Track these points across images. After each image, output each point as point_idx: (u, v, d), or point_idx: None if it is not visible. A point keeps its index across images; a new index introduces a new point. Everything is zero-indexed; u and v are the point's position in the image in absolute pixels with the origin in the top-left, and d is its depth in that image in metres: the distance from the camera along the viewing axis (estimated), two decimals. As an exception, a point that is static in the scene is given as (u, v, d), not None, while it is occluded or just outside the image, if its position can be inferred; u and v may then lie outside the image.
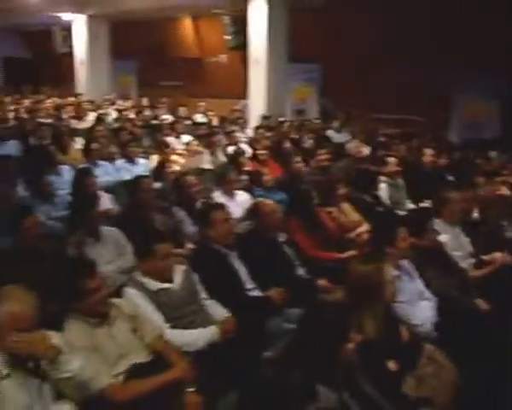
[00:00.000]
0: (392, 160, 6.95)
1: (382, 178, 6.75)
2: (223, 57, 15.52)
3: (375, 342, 3.06)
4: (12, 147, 8.16)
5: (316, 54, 12.50)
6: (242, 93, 12.40)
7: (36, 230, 4.09)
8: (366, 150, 8.87)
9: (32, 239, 4.06)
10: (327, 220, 5.46)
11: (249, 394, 3.18)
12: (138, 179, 5.48)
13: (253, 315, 3.78)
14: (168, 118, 11.47)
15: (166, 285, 3.63)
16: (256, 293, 4.13)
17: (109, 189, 6.26)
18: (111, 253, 4.43)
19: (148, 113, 12.20)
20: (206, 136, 8.89)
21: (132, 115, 11.80)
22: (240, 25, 13.11)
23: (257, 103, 11.81)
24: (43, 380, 2.69)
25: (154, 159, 7.67)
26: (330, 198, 5.69)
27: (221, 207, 4.46)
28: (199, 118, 12.26)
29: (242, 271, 4.21)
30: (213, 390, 3.12)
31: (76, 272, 3.11)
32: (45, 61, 20.75)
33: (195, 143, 8.53)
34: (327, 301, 4.03)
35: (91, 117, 11.31)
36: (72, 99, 13.59)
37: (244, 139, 9.57)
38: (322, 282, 4.39)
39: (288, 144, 8.51)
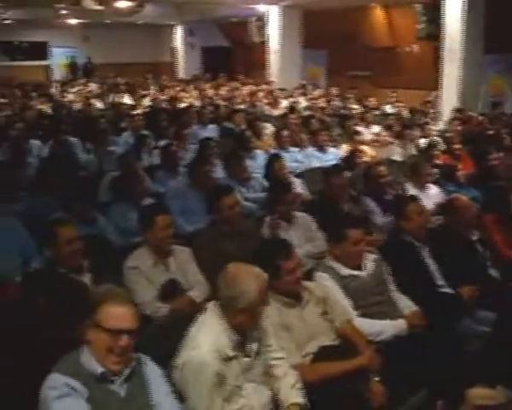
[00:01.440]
0: None
1: None
2: (415, 47, 15.07)
3: None
4: (211, 130, 8.70)
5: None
6: (433, 84, 11.96)
7: (236, 208, 4.31)
8: None
9: (231, 218, 4.28)
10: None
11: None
12: (335, 167, 5.54)
13: (443, 312, 3.68)
14: (357, 108, 11.44)
15: (356, 272, 3.66)
16: (446, 290, 4.01)
17: (300, 175, 6.42)
18: (301, 237, 4.53)
19: (337, 102, 12.27)
20: (396, 127, 8.73)
21: (322, 104, 11.94)
22: (432, 13, 12.65)
23: (449, 95, 11.30)
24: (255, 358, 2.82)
25: (344, 148, 7.72)
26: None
27: (416, 199, 4.39)
28: (388, 108, 12.07)
29: (433, 266, 4.11)
30: (398, 384, 3.08)
31: (275, 251, 3.24)
32: (240, 51, 21.73)
33: (385, 133, 8.44)
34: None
35: (283, 104, 11.65)
36: (264, 87, 14.08)
37: (436, 132, 9.23)
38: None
39: (482, 139, 8.07)
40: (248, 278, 2.71)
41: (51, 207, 5.09)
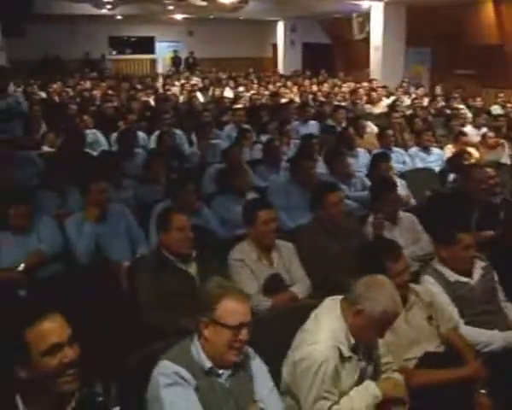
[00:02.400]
0: None
1: None
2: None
3: None
4: (312, 127, 8.69)
5: None
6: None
7: (340, 206, 4.28)
8: None
9: (335, 215, 4.26)
10: None
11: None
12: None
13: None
14: (462, 108, 11.03)
15: (465, 279, 3.54)
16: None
17: (403, 175, 6.28)
18: (406, 238, 4.42)
19: (441, 102, 11.89)
20: (505, 129, 8.34)
21: (425, 104, 11.62)
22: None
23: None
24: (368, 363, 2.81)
25: (449, 149, 7.47)
26: None
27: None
28: (497, 109, 11.55)
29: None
30: (505, 398, 2.96)
31: (383, 252, 3.19)
32: (341, 48, 21.54)
33: (492, 135, 8.08)
34: None
35: (384, 103, 11.44)
36: (365, 84, 13.88)
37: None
38: None
39: None
40: (390, 293, 2.69)
41: (157, 196, 5.30)
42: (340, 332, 2.69)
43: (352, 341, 2.70)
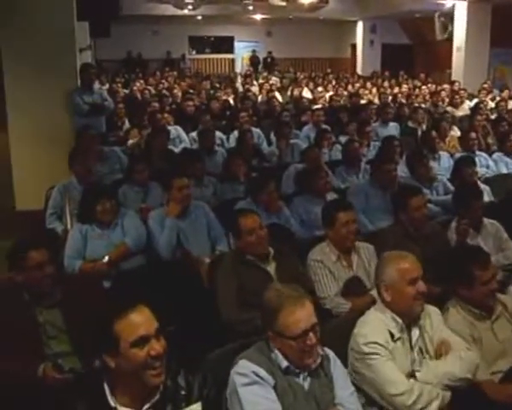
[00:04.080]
0: None
1: None
2: None
3: None
4: (392, 128, 8.55)
5: None
6: None
7: (423, 211, 4.21)
8: None
9: (418, 219, 4.18)
10: None
11: None
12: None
13: None
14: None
15: (555, 292, 3.42)
16: None
17: (487, 181, 6.08)
18: (490, 246, 4.28)
19: (528, 105, 11.42)
20: None
21: (510, 106, 11.18)
22: None
23: None
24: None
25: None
26: None
27: None
28: None
29: None
30: None
31: (471, 260, 3.10)
32: (422, 48, 21.08)
33: None
34: None
35: (467, 105, 11.10)
36: (446, 86, 13.51)
37: None
38: None
39: None
40: (393, 259, 2.91)
41: (237, 194, 5.36)
42: (387, 314, 2.83)
43: (399, 320, 2.81)
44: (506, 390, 2.86)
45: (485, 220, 4.48)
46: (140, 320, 2.13)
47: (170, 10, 19.04)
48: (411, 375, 2.72)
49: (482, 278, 3.03)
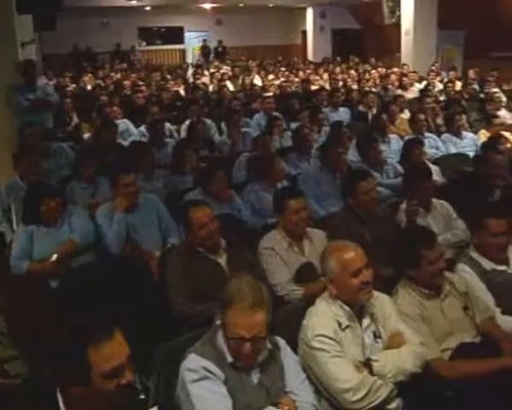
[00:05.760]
0: None
1: None
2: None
3: None
4: (343, 113, 8.59)
5: None
6: None
7: (372, 194, 4.22)
8: None
9: (367, 203, 4.20)
10: None
11: None
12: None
13: None
14: (497, 91, 10.76)
15: (501, 267, 3.47)
16: None
17: (436, 161, 6.16)
18: (440, 225, 4.34)
19: (475, 86, 11.63)
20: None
21: (458, 88, 11.39)
22: None
23: None
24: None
25: (483, 134, 7.30)
26: None
27: None
28: (533, 92, 11.24)
29: None
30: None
31: (417, 240, 3.13)
32: (372, 33, 21.23)
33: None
34: None
35: (416, 88, 11.25)
36: (396, 69, 13.68)
37: None
38: None
39: None
40: (335, 251, 2.87)
41: (188, 185, 5.29)
42: (335, 304, 2.80)
43: (347, 308, 2.77)
44: (455, 367, 2.90)
45: (435, 200, 4.54)
46: (115, 350, 1.97)
47: (118, 1, 18.69)
48: (366, 364, 2.70)
49: (429, 257, 3.05)
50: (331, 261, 2.85)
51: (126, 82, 12.47)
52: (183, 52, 24.08)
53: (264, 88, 11.67)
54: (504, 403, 2.72)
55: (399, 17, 16.69)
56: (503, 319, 3.26)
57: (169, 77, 14.35)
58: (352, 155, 5.92)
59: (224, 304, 2.43)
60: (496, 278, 3.42)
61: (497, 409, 2.75)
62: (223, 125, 7.85)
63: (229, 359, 2.43)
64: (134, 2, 19.04)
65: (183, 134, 7.45)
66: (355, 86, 11.89)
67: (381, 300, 2.93)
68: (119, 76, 14.72)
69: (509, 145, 6.63)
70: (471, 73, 13.26)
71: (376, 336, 2.81)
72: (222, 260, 3.62)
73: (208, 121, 7.94)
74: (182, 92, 11.74)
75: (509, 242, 3.53)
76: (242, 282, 2.50)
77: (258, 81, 13.90)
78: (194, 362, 2.40)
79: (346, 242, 2.97)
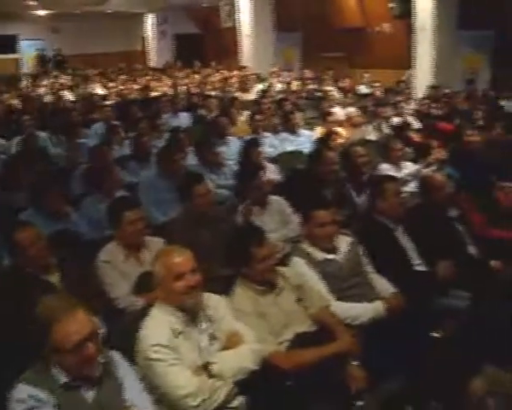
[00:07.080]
0: None
1: None
2: (386, 26, 14.94)
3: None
4: (184, 118, 8.60)
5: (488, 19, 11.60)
6: (407, 63, 11.93)
7: (208, 197, 4.25)
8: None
9: (204, 206, 4.22)
10: (502, 196, 5.09)
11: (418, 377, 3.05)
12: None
13: (419, 291, 3.64)
14: (331, 89, 11.37)
15: (331, 256, 3.61)
16: (422, 268, 3.97)
17: (274, 159, 6.35)
18: (276, 221, 4.48)
19: (312, 85, 12.19)
20: (370, 107, 8.69)
21: (294, 87, 11.86)
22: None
23: (422, 73, 11.31)
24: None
25: (319, 130, 7.66)
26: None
27: (393, 179, 4.35)
28: (363, 89, 12.01)
29: (409, 246, 4.06)
30: (378, 369, 3.02)
31: (246, 239, 3.18)
32: (212, 37, 21.50)
33: (357, 114, 8.39)
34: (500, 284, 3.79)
35: (256, 89, 11.55)
36: (236, 72, 13.97)
37: (410, 111, 9.20)
38: (495, 263, 4.11)
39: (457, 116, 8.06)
40: (161, 256, 2.86)
41: (20, 204, 5.00)
42: (165, 314, 2.76)
43: (180, 314, 2.76)
44: (292, 357, 2.99)
45: (271, 197, 4.66)
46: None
47: None
48: (206, 367, 2.70)
49: (259, 254, 3.11)
50: (157, 266, 2.82)
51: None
52: (17, 62, 22.81)
53: (105, 97, 11.39)
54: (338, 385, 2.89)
55: (237, 20, 17.00)
56: (336, 305, 3.39)
57: (5, 89, 13.53)
58: (192, 160, 5.94)
59: (44, 327, 2.31)
60: (328, 267, 3.55)
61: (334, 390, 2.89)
62: (60, 136, 7.52)
63: (64, 379, 2.33)
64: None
65: (14, 149, 7.03)
66: (198, 91, 11.96)
67: (214, 301, 2.94)
68: None
69: (341, 140, 7.01)
70: (307, 73, 13.86)
71: (211, 338, 2.82)
72: (54, 278, 3.45)
73: (42, 134, 7.56)
74: (16, 104, 11.08)
75: (337, 231, 3.71)
76: (46, 301, 2.45)
77: (99, 90, 13.53)
78: (21, 392, 2.28)
79: (174, 246, 2.96)
